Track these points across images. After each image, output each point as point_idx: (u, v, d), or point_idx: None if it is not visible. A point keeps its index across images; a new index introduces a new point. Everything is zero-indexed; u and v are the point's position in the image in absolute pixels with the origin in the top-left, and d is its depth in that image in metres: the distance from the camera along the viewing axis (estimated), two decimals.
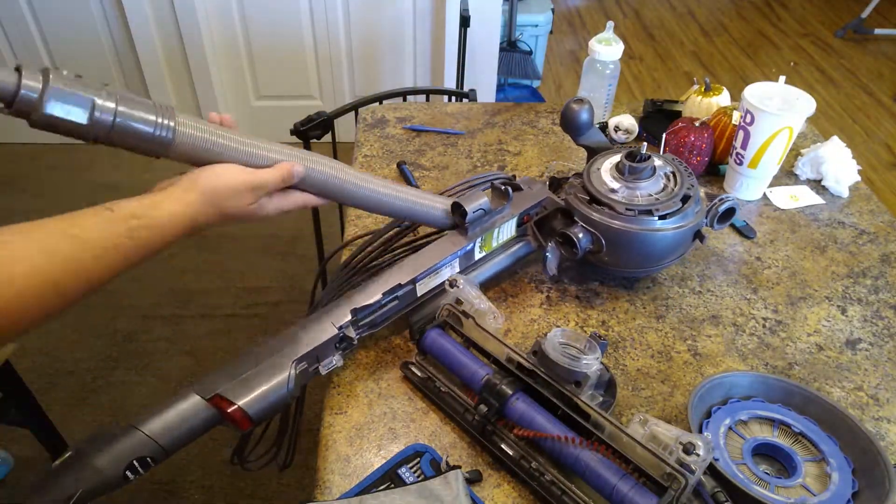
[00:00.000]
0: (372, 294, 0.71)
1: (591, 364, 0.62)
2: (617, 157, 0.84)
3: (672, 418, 0.71)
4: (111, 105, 0.54)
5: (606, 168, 0.84)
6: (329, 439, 0.68)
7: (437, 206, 0.78)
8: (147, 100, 0.58)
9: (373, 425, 0.70)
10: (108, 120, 0.54)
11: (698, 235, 0.82)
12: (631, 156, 0.81)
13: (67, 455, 0.54)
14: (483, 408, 0.65)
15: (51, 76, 0.51)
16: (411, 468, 0.64)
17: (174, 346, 1.86)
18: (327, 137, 1.41)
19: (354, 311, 0.69)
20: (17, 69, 0.51)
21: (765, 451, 0.66)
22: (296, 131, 1.34)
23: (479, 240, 0.79)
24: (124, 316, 1.94)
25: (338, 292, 0.79)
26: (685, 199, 0.80)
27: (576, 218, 0.81)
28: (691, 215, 0.80)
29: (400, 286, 0.72)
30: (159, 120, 0.57)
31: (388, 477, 0.63)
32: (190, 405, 0.59)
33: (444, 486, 0.59)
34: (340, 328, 0.68)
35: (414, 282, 0.74)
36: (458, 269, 0.80)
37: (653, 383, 0.75)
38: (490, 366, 0.69)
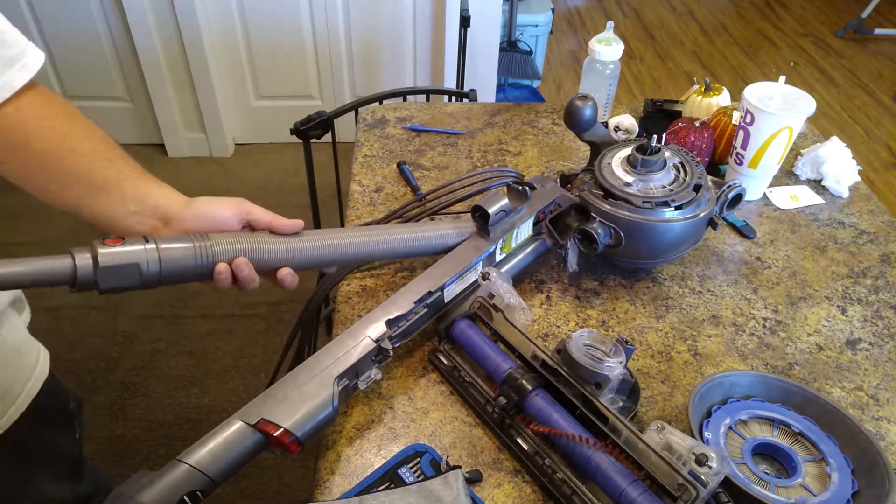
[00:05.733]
0: (403, 305, 0.71)
1: (613, 367, 0.61)
2: (626, 151, 0.84)
3: (672, 418, 0.71)
4: (155, 264, 0.60)
5: (617, 162, 0.84)
6: (329, 439, 0.68)
7: (447, 232, 0.80)
8: (184, 237, 0.63)
9: (373, 425, 0.70)
10: (155, 272, 0.61)
11: (711, 223, 0.83)
12: (642, 149, 0.81)
13: (109, 497, 0.52)
14: (502, 399, 0.65)
15: (98, 256, 0.57)
16: (411, 468, 0.64)
17: (174, 346, 1.86)
18: (327, 137, 1.41)
19: (389, 322, 0.69)
20: (71, 254, 0.56)
21: (765, 451, 0.66)
22: (296, 131, 1.34)
23: (500, 241, 0.80)
24: (124, 316, 1.94)
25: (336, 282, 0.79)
26: (697, 187, 0.81)
27: (592, 213, 0.81)
28: (704, 203, 0.81)
29: (430, 293, 0.73)
30: (198, 252, 0.63)
31: (388, 477, 0.63)
32: (235, 432, 0.58)
33: (444, 486, 0.59)
34: (377, 340, 0.68)
35: (442, 288, 0.74)
36: None
37: (653, 383, 0.75)
38: (515, 360, 0.69)
